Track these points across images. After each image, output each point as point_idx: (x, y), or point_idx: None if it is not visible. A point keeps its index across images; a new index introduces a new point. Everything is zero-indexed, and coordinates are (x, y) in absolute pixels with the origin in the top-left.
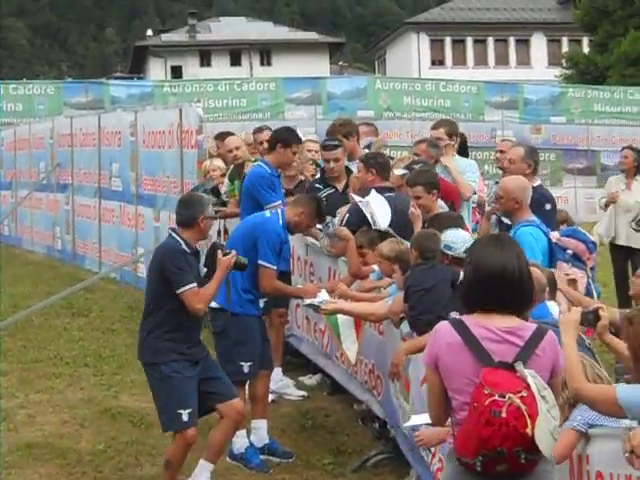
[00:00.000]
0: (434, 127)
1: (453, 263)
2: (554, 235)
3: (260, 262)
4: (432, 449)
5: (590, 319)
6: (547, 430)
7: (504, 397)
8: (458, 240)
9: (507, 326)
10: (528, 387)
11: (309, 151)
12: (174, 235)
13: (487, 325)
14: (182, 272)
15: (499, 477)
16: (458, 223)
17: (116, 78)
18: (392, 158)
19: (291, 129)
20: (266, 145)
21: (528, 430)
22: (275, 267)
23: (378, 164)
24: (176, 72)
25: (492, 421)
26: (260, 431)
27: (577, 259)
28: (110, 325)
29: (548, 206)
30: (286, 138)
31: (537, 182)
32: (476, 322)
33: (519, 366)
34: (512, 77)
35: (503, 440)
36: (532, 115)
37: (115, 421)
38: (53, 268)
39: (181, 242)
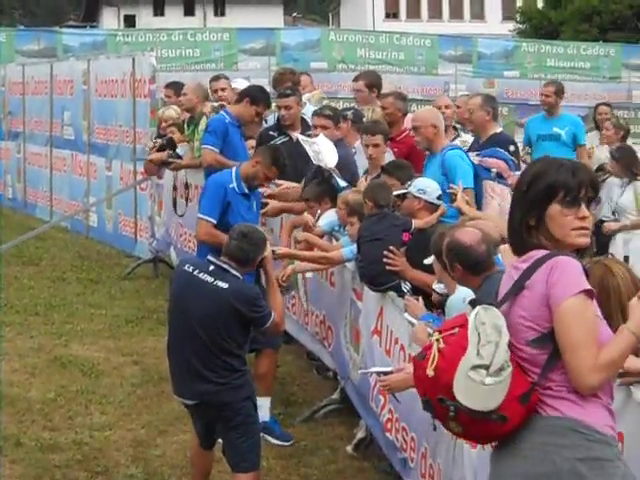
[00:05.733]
0: (354, 79)
1: (424, 209)
2: (475, 157)
3: (197, 214)
4: (382, 400)
5: None
6: (463, 371)
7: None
8: (431, 185)
9: (519, 259)
10: (466, 324)
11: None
12: (233, 271)
13: (511, 262)
14: (264, 308)
15: (474, 440)
16: (412, 171)
17: (69, 27)
18: (347, 110)
19: (265, 91)
20: (222, 93)
21: (429, 371)
22: (212, 220)
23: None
24: (129, 21)
25: (415, 365)
26: (262, 409)
27: (501, 177)
28: (61, 274)
29: (512, 147)
30: (255, 96)
31: (499, 128)
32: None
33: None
34: (466, 31)
35: (420, 385)
36: (485, 69)
37: (65, 370)
38: (4, 216)
39: (241, 277)
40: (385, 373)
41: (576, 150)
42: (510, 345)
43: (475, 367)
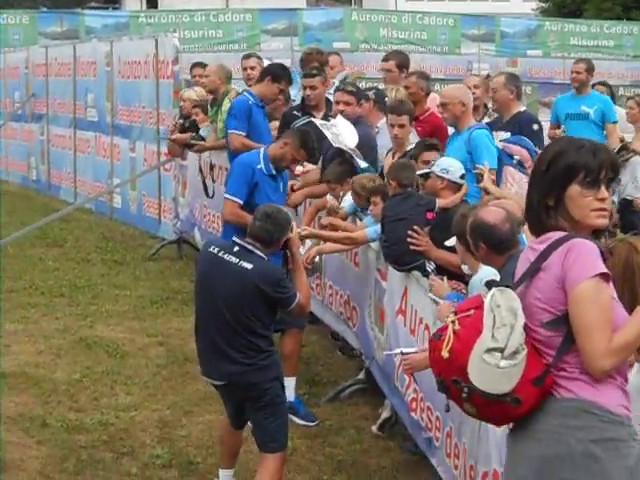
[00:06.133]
0: (384, 59)
1: (447, 188)
2: (498, 142)
3: (224, 194)
4: (406, 379)
5: None
6: (478, 354)
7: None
8: (454, 165)
9: (536, 240)
10: (481, 306)
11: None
12: (258, 252)
13: (528, 243)
14: (289, 289)
15: (489, 422)
16: (440, 147)
17: (91, 8)
18: (369, 89)
19: (285, 67)
20: (250, 71)
21: (444, 352)
22: (238, 200)
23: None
24: (152, 2)
25: (431, 346)
26: (287, 389)
27: (522, 165)
28: (85, 255)
29: (536, 126)
30: (276, 73)
31: (522, 107)
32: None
33: (485, 286)
34: (489, 10)
35: (435, 366)
36: (508, 48)
37: (90, 351)
38: (28, 198)
39: (266, 258)
40: (409, 353)
41: (606, 128)
42: (525, 327)
43: (490, 350)
